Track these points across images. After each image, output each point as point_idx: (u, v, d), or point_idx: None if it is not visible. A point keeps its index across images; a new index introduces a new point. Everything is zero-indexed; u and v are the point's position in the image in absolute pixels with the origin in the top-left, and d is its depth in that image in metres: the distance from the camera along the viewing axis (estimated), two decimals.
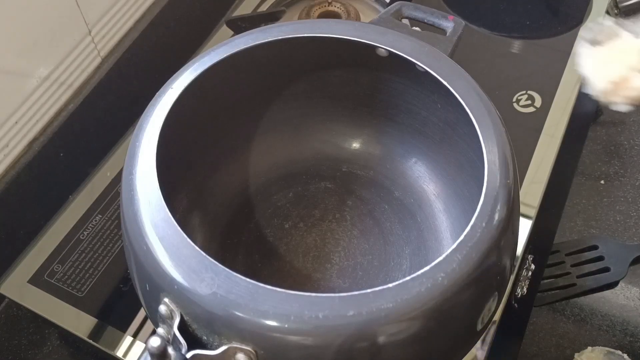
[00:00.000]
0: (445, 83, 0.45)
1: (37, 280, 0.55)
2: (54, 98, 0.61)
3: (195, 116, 0.48)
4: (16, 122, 0.57)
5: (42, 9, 0.56)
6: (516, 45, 0.71)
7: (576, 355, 0.54)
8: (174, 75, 0.46)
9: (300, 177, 0.56)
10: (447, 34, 0.51)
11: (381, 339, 0.35)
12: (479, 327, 0.41)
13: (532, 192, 0.58)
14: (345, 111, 0.54)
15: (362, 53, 0.48)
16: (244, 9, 0.76)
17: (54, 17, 0.57)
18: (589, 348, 0.54)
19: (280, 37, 0.48)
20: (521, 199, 0.43)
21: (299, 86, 0.53)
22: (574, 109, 0.64)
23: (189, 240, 0.37)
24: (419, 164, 0.54)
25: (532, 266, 0.56)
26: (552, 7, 0.74)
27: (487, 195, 0.39)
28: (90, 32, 0.62)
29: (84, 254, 0.56)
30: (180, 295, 0.36)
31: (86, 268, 0.56)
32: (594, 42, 0.45)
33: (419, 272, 0.35)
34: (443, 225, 0.52)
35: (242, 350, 0.35)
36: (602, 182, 0.66)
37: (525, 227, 0.56)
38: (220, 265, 0.36)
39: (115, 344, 0.51)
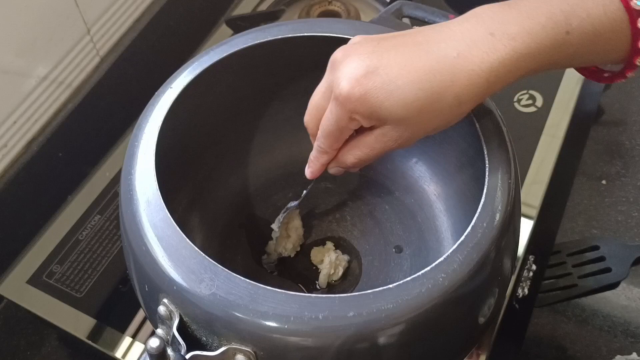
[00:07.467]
0: None
1: (35, 280, 0.55)
2: (53, 98, 0.60)
3: (194, 116, 0.48)
4: (15, 122, 0.57)
5: (41, 9, 0.56)
6: None
7: None
8: (173, 74, 0.46)
9: (300, 177, 0.56)
10: None
11: (381, 340, 0.35)
12: (480, 328, 0.41)
13: (534, 192, 0.58)
14: None
15: None
16: (244, 8, 0.76)
17: (53, 17, 0.57)
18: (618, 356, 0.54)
19: (279, 37, 0.48)
20: (522, 199, 0.43)
21: (299, 86, 0.52)
22: (576, 109, 0.64)
23: (188, 240, 0.37)
24: (420, 164, 0.54)
25: (533, 267, 0.56)
26: None
27: (488, 195, 0.39)
28: (89, 31, 0.62)
29: (82, 255, 0.56)
30: (179, 296, 0.36)
31: (85, 268, 0.55)
32: None
33: (420, 273, 0.35)
34: (444, 226, 0.51)
35: (241, 351, 0.35)
36: (604, 182, 0.66)
37: (526, 227, 0.56)
38: (219, 265, 0.36)
39: (114, 344, 0.51)
